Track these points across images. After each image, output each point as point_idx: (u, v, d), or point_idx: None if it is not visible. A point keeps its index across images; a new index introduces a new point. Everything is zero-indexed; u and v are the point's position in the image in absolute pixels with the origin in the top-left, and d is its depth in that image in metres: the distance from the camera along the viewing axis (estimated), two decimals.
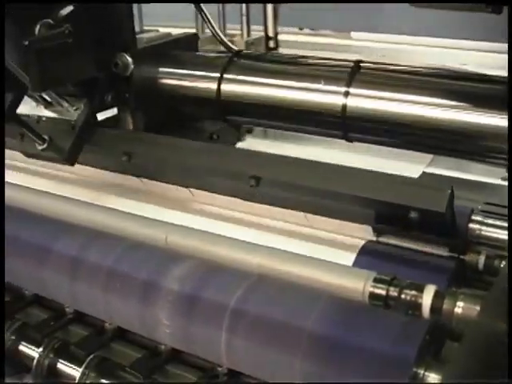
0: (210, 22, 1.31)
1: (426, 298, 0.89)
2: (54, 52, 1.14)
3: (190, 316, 1.09)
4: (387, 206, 1.03)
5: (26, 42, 1.08)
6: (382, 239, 1.12)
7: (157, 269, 1.16)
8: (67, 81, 1.22)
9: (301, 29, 2.39)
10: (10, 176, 1.55)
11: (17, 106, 1.21)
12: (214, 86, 1.27)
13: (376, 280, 0.92)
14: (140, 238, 1.03)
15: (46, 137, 1.28)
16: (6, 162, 1.61)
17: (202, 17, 1.32)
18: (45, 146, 1.28)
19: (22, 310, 1.45)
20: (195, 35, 1.41)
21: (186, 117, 1.30)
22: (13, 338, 1.41)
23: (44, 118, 1.30)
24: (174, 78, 1.31)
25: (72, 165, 1.27)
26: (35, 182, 1.44)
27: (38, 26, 1.15)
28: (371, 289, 0.91)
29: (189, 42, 1.39)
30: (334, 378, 0.93)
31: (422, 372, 0.86)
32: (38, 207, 1.29)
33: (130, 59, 1.25)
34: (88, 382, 1.28)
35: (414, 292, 0.90)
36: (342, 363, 0.94)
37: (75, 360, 1.35)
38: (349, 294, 0.93)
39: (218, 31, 1.31)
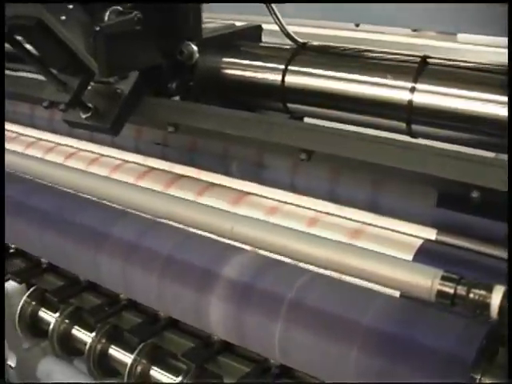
0: (275, 14, 1.31)
1: (495, 298, 0.88)
2: (123, 38, 1.15)
3: (245, 308, 1.10)
4: (445, 183, 1.00)
5: (97, 28, 1.08)
6: (441, 238, 1.11)
7: (213, 259, 1.16)
8: (134, 67, 1.22)
9: (357, 25, 2.36)
10: (68, 161, 1.57)
11: (83, 91, 1.21)
12: (278, 77, 1.27)
13: (444, 278, 0.91)
14: (205, 228, 1.02)
15: (90, 105, 1.25)
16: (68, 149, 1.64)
17: (269, 10, 1.31)
18: (89, 114, 1.26)
19: (76, 295, 1.48)
20: (259, 27, 1.40)
21: (248, 107, 1.29)
22: (66, 321, 1.44)
23: (90, 86, 1.26)
24: (238, 68, 1.31)
25: (116, 135, 1.26)
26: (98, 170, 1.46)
27: (107, 13, 1.16)
28: (439, 287, 0.90)
29: (253, 33, 1.39)
30: (388, 377, 0.93)
31: (478, 377, 0.86)
32: (97, 192, 1.29)
33: (195, 48, 1.25)
34: (139, 368, 1.30)
35: (482, 292, 0.88)
36: (397, 360, 0.94)
37: (127, 346, 1.37)
38: (415, 290, 0.92)
39: (284, 24, 1.30)
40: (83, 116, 1.24)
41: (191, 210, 1.06)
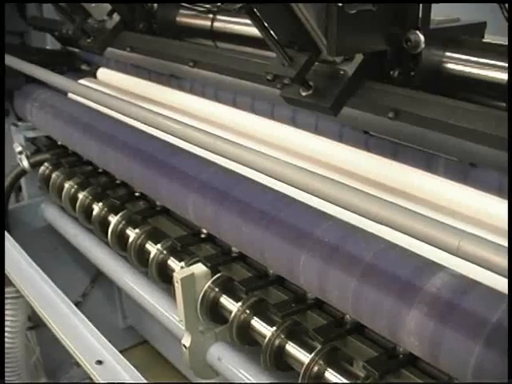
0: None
1: None
2: (355, 19, 1.14)
3: (444, 326, 1.07)
4: None
5: (340, 4, 1.08)
6: None
7: (415, 272, 1.15)
8: (361, 50, 1.21)
9: None
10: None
11: (308, 68, 1.22)
12: (504, 76, 1.22)
13: None
14: (428, 240, 0.98)
15: (311, 83, 1.26)
16: None
17: (500, 7, 1.26)
18: (309, 92, 1.26)
19: (263, 288, 1.51)
20: (484, 23, 1.36)
21: None
22: (247, 312, 1.46)
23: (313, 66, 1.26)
24: (462, 63, 1.27)
25: (335, 115, 1.26)
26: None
27: None
28: None
29: (477, 29, 1.34)
30: None
31: None
32: (306, 188, 1.27)
33: (422, 38, 1.22)
34: (315, 369, 1.30)
35: None
36: None
37: (306, 345, 1.36)
38: None
39: None
40: (303, 94, 1.25)
41: (417, 220, 1.01)
